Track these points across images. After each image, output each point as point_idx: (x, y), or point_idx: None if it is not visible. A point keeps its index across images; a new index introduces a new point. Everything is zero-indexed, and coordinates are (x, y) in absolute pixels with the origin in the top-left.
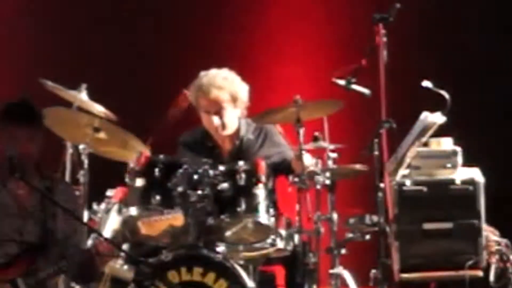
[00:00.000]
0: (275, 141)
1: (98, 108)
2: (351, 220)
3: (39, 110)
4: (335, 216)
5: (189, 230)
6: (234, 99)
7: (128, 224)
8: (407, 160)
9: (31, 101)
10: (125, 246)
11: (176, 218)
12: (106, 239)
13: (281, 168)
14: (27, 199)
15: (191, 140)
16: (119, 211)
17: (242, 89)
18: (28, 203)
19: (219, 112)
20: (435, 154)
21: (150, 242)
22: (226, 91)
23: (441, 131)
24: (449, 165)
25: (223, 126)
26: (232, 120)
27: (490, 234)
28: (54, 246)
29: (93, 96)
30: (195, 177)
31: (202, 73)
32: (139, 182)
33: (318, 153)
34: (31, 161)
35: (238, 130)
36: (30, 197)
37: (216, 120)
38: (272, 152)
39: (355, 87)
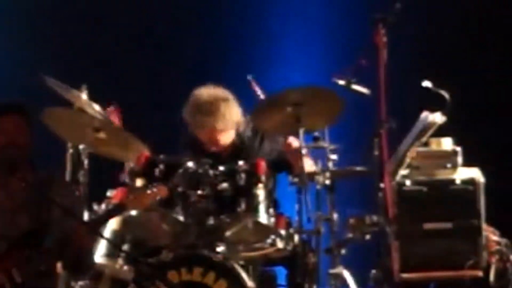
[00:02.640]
0: (275, 137)
1: (99, 108)
2: (351, 220)
3: (26, 105)
4: (335, 216)
5: (189, 230)
6: (228, 123)
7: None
8: (407, 160)
9: (18, 100)
10: (125, 246)
11: (161, 190)
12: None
13: (281, 165)
14: (20, 192)
15: (193, 139)
16: None
17: (235, 111)
18: (20, 196)
19: (214, 137)
20: (435, 154)
21: (148, 241)
22: (222, 120)
23: (441, 131)
24: (449, 165)
25: (217, 145)
26: (228, 138)
27: (490, 234)
28: (48, 236)
29: (93, 96)
30: (195, 177)
31: (197, 94)
32: (139, 182)
33: (318, 153)
34: (21, 153)
35: (236, 132)
36: (22, 190)
37: (213, 148)
38: (272, 148)
39: (355, 87)
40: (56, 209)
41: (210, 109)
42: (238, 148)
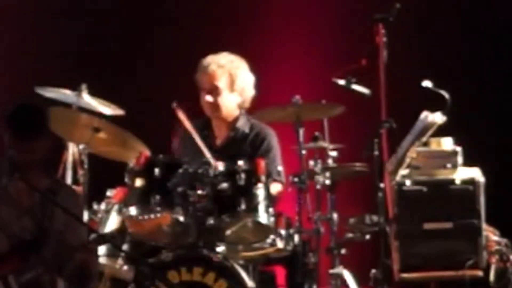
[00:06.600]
0: (268, 150)
1: (99, 108)
2: (351, 220)
3: (44, 117)
4: (335, 216)
5: (189, 230)
6: (231, 82)
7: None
8: (407, 160)
9: (37, 106)
10: (125, 246)
11: (164, 217)
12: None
13: None
14: (26, 195)
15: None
16: (119, 211)
17: (244, 75)
18: (27, 199)
19: (213, 91)
20: (435, 154)
21: (148, 241)
22: (225, 71)
23: (441, 131)
24: (449, 165)
25: (216, 106)
26: (227, 103)
27: (490, 234)
28: (47, 246)
29: (94, 96)
30: (195, 177)
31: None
32: (139, 182)
33: (318, 153)
34: (33, 166)
35: (235, 120)
36: (29, 193)
37: (208, 98)
38: (270, 152)
39: (355, 87)
40: (58, 220)
41: (216, 60)
42: (233, 140)
